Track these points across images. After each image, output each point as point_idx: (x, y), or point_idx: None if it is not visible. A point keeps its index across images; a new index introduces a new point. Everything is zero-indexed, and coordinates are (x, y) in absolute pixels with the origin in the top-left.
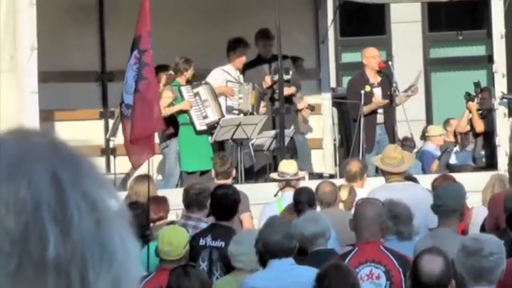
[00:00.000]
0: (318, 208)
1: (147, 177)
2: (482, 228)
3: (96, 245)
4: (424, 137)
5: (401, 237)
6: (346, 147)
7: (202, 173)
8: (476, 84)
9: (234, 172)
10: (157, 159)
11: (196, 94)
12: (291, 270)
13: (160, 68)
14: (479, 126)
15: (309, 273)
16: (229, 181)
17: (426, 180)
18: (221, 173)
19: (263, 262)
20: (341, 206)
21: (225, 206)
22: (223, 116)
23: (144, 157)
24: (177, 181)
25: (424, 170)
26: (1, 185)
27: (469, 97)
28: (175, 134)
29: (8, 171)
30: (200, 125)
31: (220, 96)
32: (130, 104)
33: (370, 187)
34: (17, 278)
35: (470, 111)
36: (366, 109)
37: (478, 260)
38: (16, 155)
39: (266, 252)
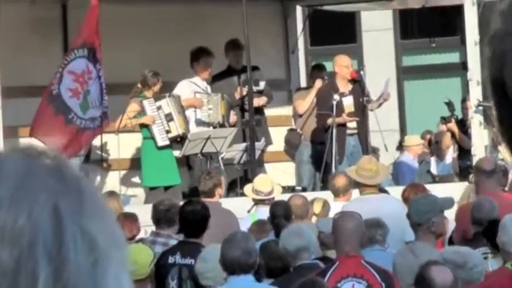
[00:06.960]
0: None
1: (114, 194)
2: (450, 241)
3: (89, 285)
4: (400, 147)
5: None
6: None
7: (166, 188)
8: (449, 104)
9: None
10: None
11: (159, 108)
12: None
13: None
14: (468, 144)
15: None
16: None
17: (399, 192)
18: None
19: None
20: (314, 219)
21: (193, 222)
22: (187, 130)
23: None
24: None
25: (399, 181)
26: (1, 209)
27: (444, 120)
28: None
29: (11, 195)
30: (162, 140)
31: (190, 108)
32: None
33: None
34: None
35: (452, 132)
36: (336, 120)
37: (466, 273)
38: (20, 177)
39: (225, 268)
